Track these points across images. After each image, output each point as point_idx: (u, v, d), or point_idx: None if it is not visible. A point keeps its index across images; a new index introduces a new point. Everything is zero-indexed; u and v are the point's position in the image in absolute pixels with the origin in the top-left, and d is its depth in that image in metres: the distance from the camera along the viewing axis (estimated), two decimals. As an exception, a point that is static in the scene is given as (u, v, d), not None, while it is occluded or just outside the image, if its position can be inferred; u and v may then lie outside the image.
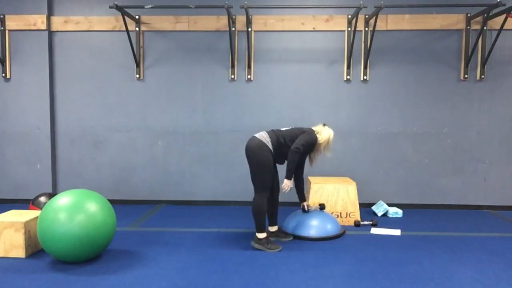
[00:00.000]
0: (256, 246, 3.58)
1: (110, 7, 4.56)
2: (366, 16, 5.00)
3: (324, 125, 3.78)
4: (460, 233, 4.11)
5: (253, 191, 3.62)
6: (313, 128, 3.76)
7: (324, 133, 3.69)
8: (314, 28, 5.09)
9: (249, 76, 5.16)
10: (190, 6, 4.66)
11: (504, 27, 4.63)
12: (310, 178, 4.79)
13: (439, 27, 5.02)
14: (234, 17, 5.02)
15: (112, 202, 3.78)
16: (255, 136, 3.63)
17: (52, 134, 5.27)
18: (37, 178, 5.26)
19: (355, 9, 4.76)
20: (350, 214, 4.40)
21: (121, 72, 5.23)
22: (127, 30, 4.85)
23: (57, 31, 5.22)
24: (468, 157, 5.12)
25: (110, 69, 5.24)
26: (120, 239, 3.81)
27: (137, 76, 5.21)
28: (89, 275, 3.00)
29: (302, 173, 3.84)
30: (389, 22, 5.04)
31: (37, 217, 3.49)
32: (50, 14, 5.20)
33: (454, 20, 5.00)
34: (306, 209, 3.99)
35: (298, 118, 5.05)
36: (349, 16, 5.03)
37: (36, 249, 3.51)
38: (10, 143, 5.27)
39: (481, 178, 5.12)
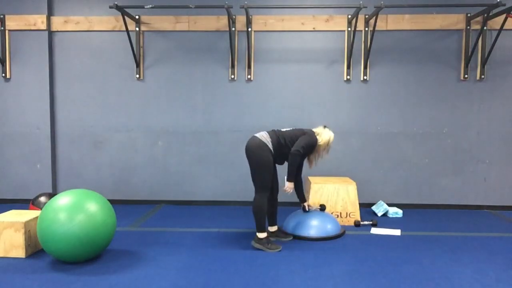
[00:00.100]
0: (256, 246, 3.58)
1: (110, 7, 4.56)
2: (366, 16, 5.00)
3: (325, 127, 3.78)
4: (460, 233, 4.11)
5: (253, 191, 3.62)
6: (314, 129, 3.76)
7: (324, 135, 3.69)
8: (314, 28, 5.09)
9: (249, 76, 5.16)
10: (190, 6, 4.66)
11: (504, 27, 4.63)
12: (310, 178, 4.79)
13: (439, 27, 5.02)
14: (234, 17, 5.02)
15: (112, 202, 3.77)
16: (255, 136, 3.63)
17: (52, 134, 5.27)
18: (37, 178, 5.26)
19: (355, 9, 4.76)
20: (350, 214, 4.40)
21: (121, 72, 5.23)
22: (127, 30, 4.85)
23: (57, 31, 5.22)
24: (468, 157, 5.12)
25: (110, 69, 5.24)
26: (120, 239, 3.81)
27: (137, 76, 5.21)
28: (89, 275, 3.00)
29: (301, 174, 3.84)
30: (389, 22, 5.04)
31: (37, 217, 3.49)
32: (50, 14, 5.20)
33: (454, 20, 5.00)
34: (307, 209, 3.99)
35: (298, 118, 5.05)
36: (349, 16, 5.03)
37: (36, 249, 3.51)
38: (10, 143, 5.27)
39: (481, 178, 5.12)
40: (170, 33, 5.18)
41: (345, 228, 4.15)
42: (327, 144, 3.71)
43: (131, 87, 5.24)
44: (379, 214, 4.77)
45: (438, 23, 5.01)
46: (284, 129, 3.75)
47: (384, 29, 5.03)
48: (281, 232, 3.88)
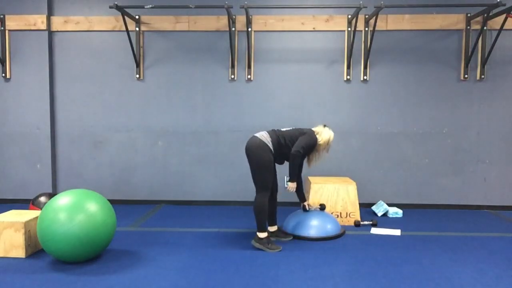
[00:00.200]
0: (257, 245, 3.58)
1: (110, 7, 4.56)
2: (366, 16, 5.00)
3: (325, 126, 3.78)
4: (460, 233, 4.11)
5: (253, 191, 3.62)
6: (313, 129, 3.76)
7: (324, 134, 3.69)
8: (314, 28, 5.09)
9: (249, 76, 5.16)
10: (190, 6, 4.66)
11: (504, 27, 4.63)
12: (310, 178, 4.79)
13: (439, 27, 5.02)
14: (234, 17, 5.02)
15: (112, 202, 3.77)
16: (255, 136, 3.63)
17: (52, 134, 5.27)
18: (37, 178, 5.26)
19: (355, 9, 4.76)
20: (350, 214, 4.40)
21: (121, 72, 5.23)
22: (127, 30, 4.85)
23: (57, 31, 5.22)
24: (468, 157, 5.12)
25: (110, 69, 5.24)
26: (120, 239, 3.81)
27: (137, 76, 5.21)
28: (89, 275, 3.00)
29: (301, 173, 3.84)
30: (389, 22, 5.04)
31: (37, 217, 3.49)
32: (50, 14, 5.20)
33: (454, 20, 5.00)
34: (307, 208, 3.99)
35: (298, 118, 5.05)
36: (349, 16, 5.03)
37: (36, 249, 3.51)
38: (10, 143, 5.27)
39: (481, 178, 5.12)
40: (170, 33, 5.18)
41: (345, 228, 4.15)
42: (327, 143, 3.71)
43: (131, 87, 5.24)
44: (379, 214, 4.77)
45: (438, 23, 5.01)
46: (284, 129, 3.75)
47: (384, 29, 5.03)
48: (281, 232, 3.88)
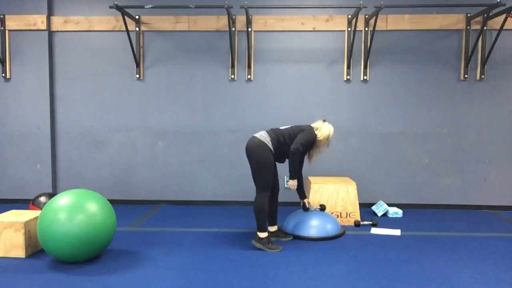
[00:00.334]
0: (257, 245, 3.58)
1: (110, 7, 4.56)
2: (366, 16, 5.00)
3: (324, 121, 3.77)
4: (460, 233, 4.11)
5: (253, 191, 3.62)
6: (313, 124, 3.75)
7: (324, 130, 3.69)
8: (314, 28, 5.09)
9: (249, 76, 5.16)
10: (190, 6, 4.66)
11: (504, 27, 4.63)
12: (310, 178, 4.79)
13: (439, 27, 5.02)
14: (234, 17, 5.02)
15: (112, 202, 3.77)
16: (255, 136, 3.63)
17: (52, 134, 5.27)
18: (37, 178, 5.26)
19: (355, 9, 4.76)
20: (350, 214, 4.40)
21: (121, 72, 5.23)
22: (127, 30, 4.85)
23: (57, 31, 5.22)
24: (468, 157, 5.12)
25: (110, 69, 5.24)
26: (120, 239, 3.81)
27: (137, 76, 5.22)
28: (89, 275, 3.00)
29: (301, 170, 3.84)
30: (389, 22, 5.04)
31: (37, 217, 3.49)
32: (50, 14, 5.20)
33: (454, 20, 5.00)
34: (307, 205, 3.98)
35: (298, 118, 5.02)
36: (349, 16, 5.03)
37: (36, 249, 3.51)
38: (10, 143, 5.27)
39: (481, 178, 5.12)
40: (170, 33, 5.18)
41: (345, 228, 4.15)
42: (327, 138, 3.70)
43: (131, 87, 5.24)
44: (379, 214, 4.77)
45: (438, 23, 5.01)
46: (282, 127, 3.74)
47: (384, 29, 5.03)
48: (281, 232, 3.88)
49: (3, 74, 5.20)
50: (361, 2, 4.54)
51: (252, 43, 5.12)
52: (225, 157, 5.24)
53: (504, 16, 4.56)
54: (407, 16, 5.01)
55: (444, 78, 5.08)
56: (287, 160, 3.68)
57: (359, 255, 3.46)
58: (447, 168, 5.13)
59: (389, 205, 4.96)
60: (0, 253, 3.37)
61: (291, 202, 4.80)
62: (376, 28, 4.79)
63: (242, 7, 4.60)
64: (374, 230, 4.16)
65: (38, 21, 5.14)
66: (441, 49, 5.06)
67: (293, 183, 3.69)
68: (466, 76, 5.04)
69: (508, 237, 3.99)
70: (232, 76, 5.16)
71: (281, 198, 3.92)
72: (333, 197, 4.41)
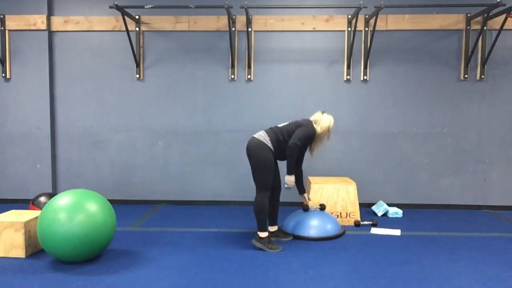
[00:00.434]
0: (257, 245, 3.58)
1: (110, 7, 4.56)
2: (366, 16, 5.00)
3: (323, 112, 3.74)
4: (460, 233, 4.11)
5: (254, 190, 3.62)
6: (312, 117, 3.74)
7: (323, 122, 3.66)
8: (314, 28, 5.09)
9: (249, 76, 5.16)
10: (190, 6, 4.66)
11: (504, 27, 4.63)
12: (310, 178, 4.79)
13: (439, 27, 5.02)
14: (234, 17, 5.02)
15: (112, 202, 3.78)
16: (254, 137, 3.63)
17: (52, 134, 5.27)
18: (37, 178, 5.26)
19: (355, 9, 4.76)
20: (350, 214, 4.40)
21: (121, 72, 5.23)
22: (127, 30, 4.85)
23: (57, 31, 5.22)
24: (468, 157, 5.12)
25: (110, 69, 5.24)
26: (120, 239, 3.81)
27: (137, 76, 5.22)
28: (89, 275, 3.00)
29: (301, 165, 3.83)
30: (389, 22, 5.04)
31: (37, 217, 3.49)
32: (50, 14, 5.20)
33: (454, 20, 5.00)
34: (307, 199, 3.94)
35: (298, 118, 5.00)
36: (349, 16, 5.03)
37: (36, 249, 3.51)
38: (10, 143, 5.27)
39: (481, 178, 5.12)
40: (170, 33, 5.18)
41: (345, 228, 4.15)
42: (327, 130, 3.68)
43: (131, 87, 5.25)
44: (379, 214, 4.77)
45: (438, 23, 5.01)
46: (281, 125, 3.73)
47: (384, 29, 5.03)
48: (281, 232, 3.88)
49: (3, 74, 5.20)
50: (361, 2, 4.54)
51: (252, 43, 5.12)
52: (225, 157, 5.23)
53: (504, 16, 4.56)
54: (407, 16, 5.01)
55: (444, 78, 5.08)
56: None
57: (359, 255, 3.46)
58: (447, 168, 5.13)
59: (389, 205, 4.96)
60: (0, 253, 3.38)
61: (291, 202, 4.81)
62: (376, 28, 4.79)
63: (242, 7, 4.60)
64: (374, 230, 4.16)
65: (38, 21, 5.14)
66: (441, 49, 5.06)
67: (290, 179, 3.64)
68: (466, 76, 5.04)
69: (508, 237, 3.99)
70: (232, 76, 5.16)
71: (281, 198, 3.92)
72: (333, 197, 4.41)
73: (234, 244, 3.71)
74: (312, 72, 5.15)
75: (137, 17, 5.12)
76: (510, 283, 2.92)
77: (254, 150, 3.55)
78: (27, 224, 3.39)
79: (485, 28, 4.89)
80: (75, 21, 5.19)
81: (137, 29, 5.16)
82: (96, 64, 5.24)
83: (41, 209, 3.88)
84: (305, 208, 4.03)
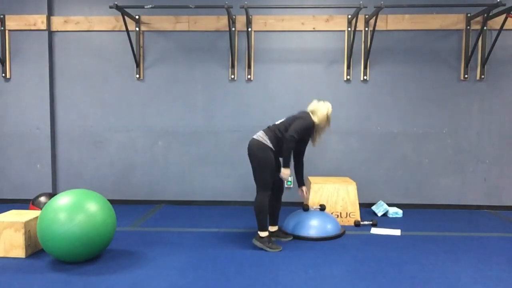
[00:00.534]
0: (258, 244, 3.58)
1: (110, 7, 4.56)
2: (366, 16, 5.00)
3: (319, 100, 3.71)
4: (460, 233, 4.11)
5: (254, 191, 3.62)
6: (308, 108, 3.71)
7: (321, 111, 3.63)
8: (314, 28, 5.09)
9: (249, 76, 5.16)
10: (190, 6, 4.66)
11: (504, 27, 4.63)
12: (310, 178, 4.79)
13: (439, 27, 5.02)
14: (234, 17, 5.02)
15: (112, 202, 3.78)
16: (253, 138, 3.63)
17: (52, 134, 5.27)
18: (37, 178, 5.26)
19: (355, 9, 4.76)
20: (350, 214, 4.40)
21: (121, 72, 5.23)
22: (127, 30, 4.85)
23: (57, 31, 5.22)
24: (468, 157, 5.12)
25: (110, 69, 5.24)
26: (120, 239, 3.81)
27: (137, 76, 5.22)
28: (89, 275, 3.00)
29: (303, 158, 3.82)
30: (389, 22, 5.04)
31: (37, 217, 3.49)
32: (50, 14, 5.20)
33: (454, 20, 5.00)
34: (304, 193, 3.87)
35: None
36: (349, 16, 5.03)
37: (36, 249, 3.51)
38: (10, 143, 5.27)
39: (481, 178, 5.12)
40: (170, 33, 5.18)
41: (345, 228, 4.15)
42: (326, 118, 3.65)
43: (131, 87, 5.24)
44: (379, 214, 4.77)
45: (438, 23, 5.01)
46: (278, 122, 3.72)
47: (384, 29, 5.03)
48: (281, 232, 3.88)
49: (3, 74, 5.20)
50: (361, 2, 4.54)
51: (252, 43, 5.12)
52: (225, 157, 5.23)
53: (504, 16, 4.56)
54: (407, 16, 5.01)
55: (444, 78, 5.08)
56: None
57: (359, 255, 3.46)
58: (447, 168, 5.13)
59: (389, 205, 4.96)
60: (0, 253, 3.37)
61: (291, 202, 4.81)
62: (376, 28, 4.79)
63: (242, 7, 4.60)
64: (374, 230, 4.16)
65: (38, 21, 5.14)
66: (441, 49, 5.06)
67: (286, 172, 3.59)
68: (466, 76, 5.04)
69: (508, 237, 3.99)
70: (232, 76, 5.16)
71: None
72: (333, 197, 4.41)
73: (234, 244, 3.71)
74: (312, 72, 5.15)
75: (137, 17, 5.12)
76: (510, 283, 2.92)
77: (254, 151, 3.56)
78: (27, 224, 3.39)
79: (485, 28, 4.89)
80: (75, 21, 5.19)
81: (137, 29, 5.16)
82: (96, 64, 5.24)
83: (41, 209, 3.87)
84: (305, 208, 4.03)
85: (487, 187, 5.12)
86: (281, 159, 3.63)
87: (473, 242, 3.81)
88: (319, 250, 3.56)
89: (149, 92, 5.24)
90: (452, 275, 3.05)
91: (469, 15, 4.95)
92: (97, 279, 2.93)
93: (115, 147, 5.29)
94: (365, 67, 5.07)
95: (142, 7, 4.68)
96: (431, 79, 5.08)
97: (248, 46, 5.09)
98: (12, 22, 5.15)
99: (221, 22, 5.10)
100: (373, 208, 4.91)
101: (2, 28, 5.15)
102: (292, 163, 3.72)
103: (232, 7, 4.58)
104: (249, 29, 5.03)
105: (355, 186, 4.47)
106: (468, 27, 4.98)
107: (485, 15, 4.64)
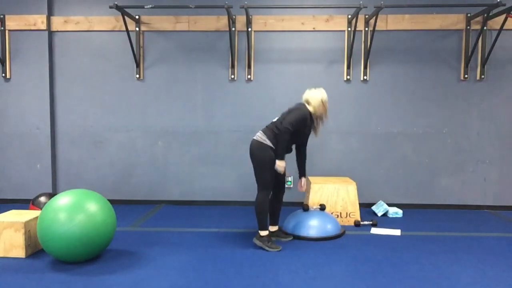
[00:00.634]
0: (258, 243, 3.59)
1: (110, 7, 4.56)
2: (366, 16, 5.00)
3: (311, 88, 3.68)
4: (460, 233, 4.11)
5: (254, 190, 3.63)
6: (303, 99, 3.70)
7: (314, 99, 3.61)
8: (314, 28, 5.09)
9: (249, 76, 5.16)
10: (190, 6, 4.66)
11: (504, 27, 4.63)
12: (310, 178, 4.78)
13: (439, 27, 5.02)
14: (234, 17, 5.02)
15: (112, 202, 3.78)
16: (253, 139, 3.65)
17: (52, 134, 5.27)
18: (37, 178, 5.26)
19: (355, 9, 4.76)
20: (350, 214, 4.40)
21: (121, 72, 5.23)
22: (127, 30, 4.84)
23: (57, 31, 5.22)
24: (468, 157, 5.12)
25: (110, 69, 5.24)
26: (120, 239, 3.81)
27: (137, 76, 5.21)
28: (89, 275, 3.00)
29: (305, 149, 3.80)
30: (389, 22, 5.04)
31: (37, 217, 3.49)
32: (50, 14, 5.20)
33: (454, 20, 5.00)
34: (303, 184, 3.82)
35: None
36: (349, 16, 5.03)
37: (36, 249, 3.51)
38: (10, 143, 5.27)
39: (481, 178, 5.12)
40: (170, 33, 5.18)
41: (345, 228, 4.15)
42: (322, 105, 3.62)
43: (131, 87, 5.24)
44: (379, 214, 4.77)
45: (438, 23, 5.01)
46: (275, 119, 3.72)
47: (384, 29, 5.03)
48: (281, 232, 3.88)
49: (3, 74, 5.20)
50: (361, 2, 4.54)
51: (252, 43, 5.12)
52: (225, 157, 5.23)
53: (504, 16, 4.56)
54: (407, 16, 5.01)
55: (444, 78, 5.08)
56: (293, 152, 3.70)
57: (359, 255, 3.46)
58: (447, 168, 5.13)
59: (389, 205, 4.96)
60: (0, 253, 3.37)
61: (291, 202, 4.81)
62: (376, 28, 4.79)
63: (242, 7, 4.60)
64: (374, 230, 4.16)
65: (38, 21, 5.14)
66: (441, 49, 5.06)
67: (280, 164, 3.54)
68: (466, 76, 5.04)
69: (508, 237, 3.99)
70: (232, 76, 5.16)
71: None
72: (333, 197, 4.41)
73: (234, 244, 3.71)
74: (312, 72, 5.15)
75: (137, 17, 5.12)
76: (510, 283, 2.92)
77: (255, 151, 3.57)
78: (27, 224, 3.39)
79: (485, 28, 4.89)
80: (75, 21, 5.19)
81: (137, 29, 5.16)
82: (96, 64, 5.24)
83: (41, 209, 3.87)
84: (305, 208, 4.04)
85: (487, 187, 5.12)
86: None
87: (473, 242, 3.81)
88: (319, 250, 3.56)
89: (149, 92, 5.24)
90: (452, 275, 3.05)
91: (469, 15, 4.95)
92: (97, 279, 2.93)
93: (115, 147, 5.29)
94: (365, 67, 5.07)
95: (142, 7, 4.68)
96: (431, 79, 5.08)
97: (248, 46, 5.08)
98: (12, 22, 5.15)
99: (221, 22, 5.10)
100: (373, 208, 4.91)
101: (2, 28, 5.15)
102: (294, 157, 3.75)
103: (232, 7, 4.58)
104: (249, 29, 5.03)
105: (355, 186, 4.47)
106: (468, 27, 4.98)
107: (485, 15, 4.64)
